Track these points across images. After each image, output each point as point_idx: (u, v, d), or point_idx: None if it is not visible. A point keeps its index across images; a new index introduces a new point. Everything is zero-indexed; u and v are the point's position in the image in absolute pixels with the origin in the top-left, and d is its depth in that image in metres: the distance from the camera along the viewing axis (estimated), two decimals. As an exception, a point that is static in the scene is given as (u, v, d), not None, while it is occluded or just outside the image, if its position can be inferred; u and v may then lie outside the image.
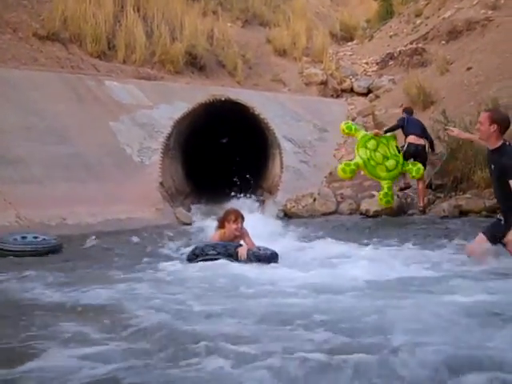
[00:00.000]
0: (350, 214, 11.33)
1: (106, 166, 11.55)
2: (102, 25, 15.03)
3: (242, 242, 7.12)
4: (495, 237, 5.70)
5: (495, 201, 9.49)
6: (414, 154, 10.90)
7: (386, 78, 17.93)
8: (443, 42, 17.75)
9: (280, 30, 20.15)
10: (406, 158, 10.81)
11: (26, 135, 11.06)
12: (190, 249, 7.28)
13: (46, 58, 13.77)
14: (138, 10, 16.25)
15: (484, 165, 10.26)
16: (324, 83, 18.11)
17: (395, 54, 18.73)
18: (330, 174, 13.20)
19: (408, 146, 10.89)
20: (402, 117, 11.39)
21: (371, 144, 10.54)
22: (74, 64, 14.17)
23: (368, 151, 10.44)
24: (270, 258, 6.88)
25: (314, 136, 14.88)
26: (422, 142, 11.02)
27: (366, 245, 7.79)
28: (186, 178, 13.93)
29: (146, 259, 7.31)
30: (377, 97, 17.24)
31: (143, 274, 6.25)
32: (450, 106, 13.54)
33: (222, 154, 14.34)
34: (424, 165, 10.83)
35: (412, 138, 10.92)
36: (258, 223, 9.03)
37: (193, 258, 6.86)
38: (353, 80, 18.65)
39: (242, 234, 7.21)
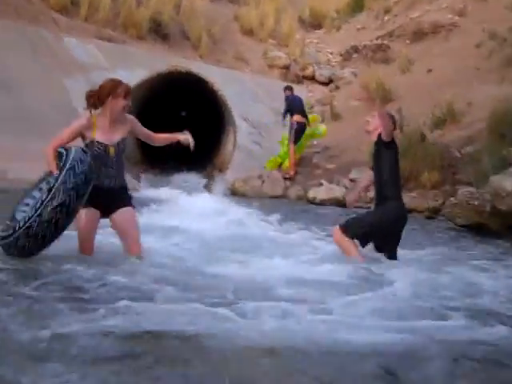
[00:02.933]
0: (297, 199, 11.37)
1: (54, 124, 11.07)
2: (67, -22, 14.57)
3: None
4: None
5: (439, 202, 9.74)
6: (300, 131, 12.57)
7: (348, 70, 18.01)
8: (408, 41, 17.91)
9: (249, 8, 19.96)
10: (296, 135, 12.45)
11: (-28, 82, 10.66)
12: None
13: (5, 5, 13.25)
14: (106, -31, 15.80)
15: (431, 166, 10.46)
16: (287, 68, 18.06)
17: (360, 48, 18.78)
18: (282, 158, 13.23)
19: (297, 124, 12.51)
20: (286, 96, 12.91)
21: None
22: (34, 15, 13.69)
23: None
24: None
25: (271, 119, 14.83)
26: (304, 120, 12.71)
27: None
28: (138, 145, 13.71)
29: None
30: (337, 87, 17.32)
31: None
32: (407, 105, 13.67)
33: (178, 125, 14.17)
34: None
35: (298, 118, 12.54)
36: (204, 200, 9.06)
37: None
38: (315, 68, 18.62)
39: (128, 119, 4.82)
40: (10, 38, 12.22)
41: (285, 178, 12.09)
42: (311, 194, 11.10)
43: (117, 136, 4.66)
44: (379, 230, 5.36)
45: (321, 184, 11.47)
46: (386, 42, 18.40)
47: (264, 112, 15.03)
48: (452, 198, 8.49)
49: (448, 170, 10.57)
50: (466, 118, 11.98)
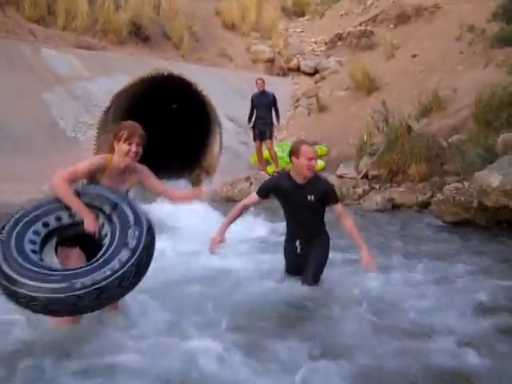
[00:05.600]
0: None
1: (36, 141, 11.10)
2: (42, -12, 14.35)
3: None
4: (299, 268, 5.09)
5: (427, 195, 9.62)
6: None
7: (332, 59, 17.83)
8: (391, 25, 17.73)
9: (230, 2, 19.71)
10: None
11: None
12: None
13: (-21, 20, 13.11)
14: (81, -25, 15.57)
15: (419, 157, 10.33)
16: (271, 61, 17.88)
17: (344, 35, 18.62)
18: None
19: None
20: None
21: None
22: (10, 28, 13.51)
23: None
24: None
25: (257, 116, 14.65)
26: None
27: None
28: (124, 154, 13.58)
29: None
30: (322, 78, 17.13)
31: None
32: (393, 94, 13.59)
33: (164, 130, 14.03)
34: None
35: None
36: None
37: None
38: (300, 59, 18.45)
39: (138, 169, 4.28)
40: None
41: None
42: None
43: (124, 186, 4.18)
44: None
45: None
46: (369, 27, 18.24)
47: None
48: (439, 195, 8.38)
49: (436, 160, 10.45)
50: (452, 105, 11.85)
